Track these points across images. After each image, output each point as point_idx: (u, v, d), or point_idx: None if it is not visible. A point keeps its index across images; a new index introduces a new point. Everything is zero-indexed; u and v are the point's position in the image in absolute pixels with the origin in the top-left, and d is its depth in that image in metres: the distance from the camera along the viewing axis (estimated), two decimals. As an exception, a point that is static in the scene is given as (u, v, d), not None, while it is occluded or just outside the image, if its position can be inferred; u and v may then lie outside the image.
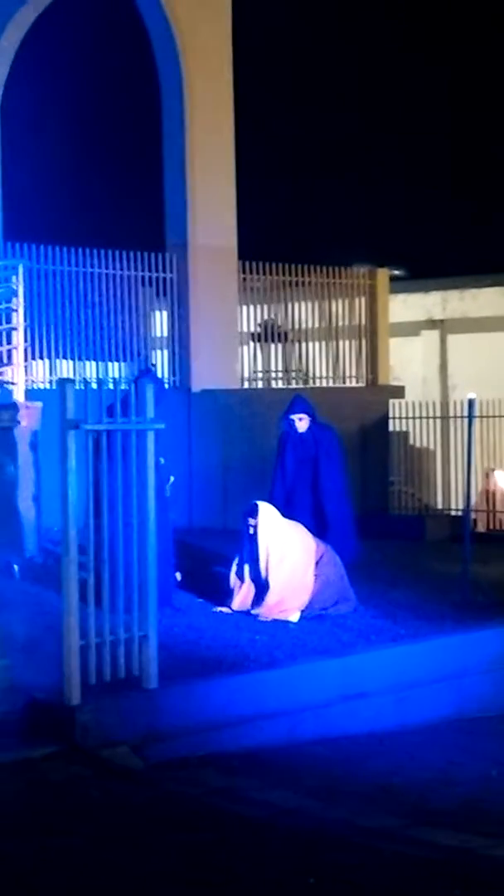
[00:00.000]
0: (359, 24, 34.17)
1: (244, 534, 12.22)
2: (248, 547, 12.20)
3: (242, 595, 12.21)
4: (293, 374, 19.66)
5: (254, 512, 12.21)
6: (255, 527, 12.12)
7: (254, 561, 12.14)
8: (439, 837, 7.69)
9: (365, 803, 8.52)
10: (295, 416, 14.64)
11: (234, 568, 12.33)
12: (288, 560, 12.10)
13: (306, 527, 13.37)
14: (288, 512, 13.81)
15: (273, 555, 12.07)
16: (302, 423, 14.64)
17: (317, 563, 12.25)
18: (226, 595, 12.34)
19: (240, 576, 12.24)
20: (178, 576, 13.06)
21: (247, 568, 12.20)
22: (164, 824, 7.80)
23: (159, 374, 17.55)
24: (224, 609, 12.21)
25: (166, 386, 17.44)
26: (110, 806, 8.18)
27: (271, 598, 12.02)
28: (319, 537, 13.19)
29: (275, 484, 14.63)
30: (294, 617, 12.01)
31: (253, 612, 12.07)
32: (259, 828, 7.83)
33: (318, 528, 14.13)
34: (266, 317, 19.33)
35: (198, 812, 8.13)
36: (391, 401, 20.33)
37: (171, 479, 12.79)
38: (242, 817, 8.01)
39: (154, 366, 17.69)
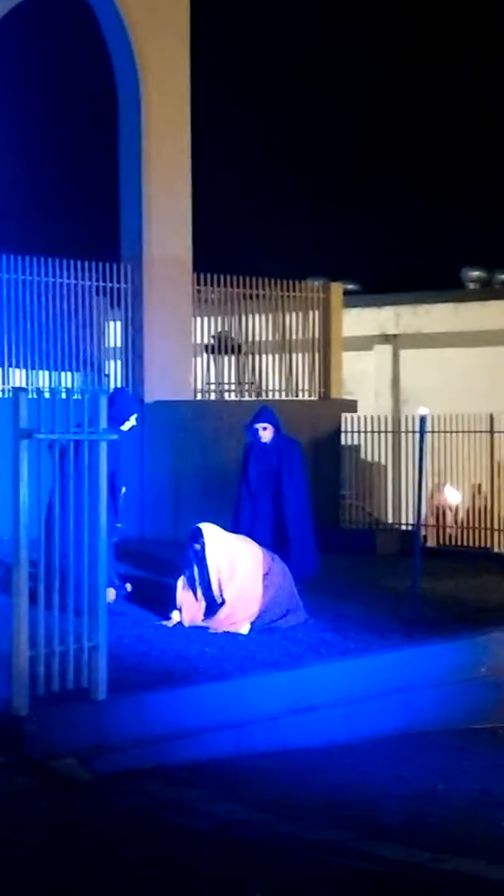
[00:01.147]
0: (319, 35, 34.29)
1: (191, 557, 12.16)
2: (197, 569, 12.14)
3: (192, 611, 12.16)
4: (246, 387, 19.68)
5: (197, 536, 12.14)
6: (202, 550, 12.06)
7: (204, 581, 12.09)
8: (386, 851, 7.70)
9: (313, 817, 8.52)
10: (259, 426, 14.70)
11: (179, 585, 12.25)
12: (238, 573, 12.08)
13: (267, 539, 13.41)
14: (252, 524, 13.82)
15: (224, 571, 12.04)
16: (266, 432, 14.68)
17: (265, 574, 12.24)
18: (173, 608, 12.28)
19: (188, 591, 12.17)
20: (129, 587, 13.04)
21: (198, 588, 12.15)
22: (110, 836, 7.78)
23: (113, 384, 17.56)
24: (167, 623, 12.14)
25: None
26: (57, 818, 8.15)
27: (223, 611, 12.00)
28: (279, 550, 13.23)
29: (241, 495, 14.65)
30: (244, 629, 12.01)
31: (203, 623, 12.04)
32: (206, 841, 7.82)
33: (279, 541, 14.18)
34: (220, 329, 19.34)
35: (145, 824, 8.11)
36: (343, 414, 20.39)
37: (123, 489, 12.79)
38: (189, 830, 8.00)
39: (107, 376, 17.68)
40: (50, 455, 9.63)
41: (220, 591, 12.02)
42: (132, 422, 13.09)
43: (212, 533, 12.15)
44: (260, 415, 14.89)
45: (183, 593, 12.18)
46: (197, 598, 12.15)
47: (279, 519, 14.63)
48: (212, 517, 12.77)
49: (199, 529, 12.14)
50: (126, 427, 12.97)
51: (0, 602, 11.72)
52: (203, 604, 12.14)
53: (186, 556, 12.22)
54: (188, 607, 12.15)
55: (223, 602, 12.02)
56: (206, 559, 12.01)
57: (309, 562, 14.53)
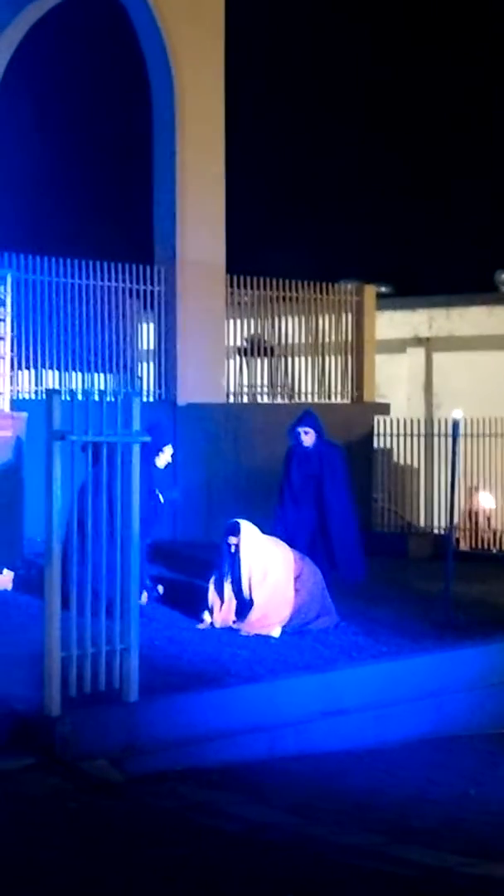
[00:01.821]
0: (354, 39, 34.27)
1: (224, 551, 12.16)
2: (229, 564, 12.14)
3: (224, 612, 12.16)
4: (279, 390, 19.68)
5: (235, 530, 12.12)
6: (237, 545, 12.05)
7: (236, 579, 12.10)
8: (417, 855, 7.68)
9: (343, 820, 8.51)
10: (301, 429, 14.71)
11: (211, 585, 12.25)
12: (270, 576, 12.07)
13: (306, 544, 13.38)
14: (294, 528, 13.81)
15: (255, 573, 12.03)
16: (308, 436, 14.69)
17: (296, 577, 12.23)
18: (205, 610, 12.29)
19: (219, 592, 12.18)
20: (161, 589, 13.06)
21: (228, 586, 12.15)
22: (142, 838, 7.79)
23: (145, 387, 17.61)
24: (201, 625, 12.14)
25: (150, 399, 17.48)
26: (89, 819, 8.16)
27: (254, 614, 12.00)
28: (321, 555, 13.21)
29: (283, 499, 14.64)
30: (275, 632, 12.00)
31: (235, 626, 12.04)
32: (237, 843, 7.82)
33: (322, 547, 14.18)
34: (253, 331, 19.35)
35: (176, 826, 8.12)
36: (376, 417, 20.36)
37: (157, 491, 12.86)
38: (221, 832, 8.00)
39: (140, 378, 17.72)
40: (83, 456, 9.65)
41: (250, 591, 12.01)
42: (167, 456, 12.92)
43: (249, 530, 12.14)
44: (303, 419, 14.92)
45: (214, 591, 12.18)
46: (223, 598, 12.11)
47: (321, 525, 14.62)
48: (244, 519, 12.76)
49: (238, 524, 12.13)
50: (161, 463, 12.83)
51: (32, 603, 11.78)
52: (234, 602, 12.13)
53: (220, 551, 12.21)
54: (219, 606, 12.14)
55: (252, 603, 12.01)
56: (240, 556, 12.00)
57: (356, 567, 14.56)
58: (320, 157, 34.48)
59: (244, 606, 12.07)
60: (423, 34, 34.81)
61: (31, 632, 10.50)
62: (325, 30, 33.73)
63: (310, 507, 14.65)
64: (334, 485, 14.70)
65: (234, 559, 12.06)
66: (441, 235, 33.45)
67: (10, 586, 12.82)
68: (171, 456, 13.06)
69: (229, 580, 12.11)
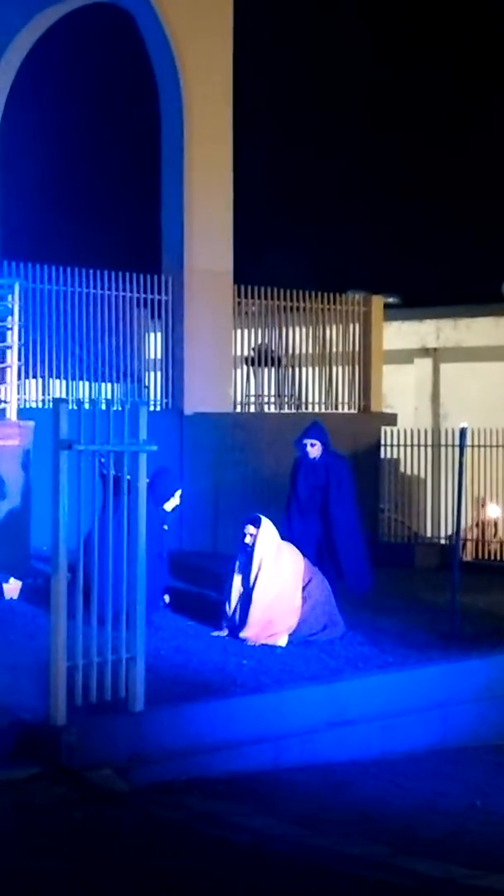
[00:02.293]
0: (362, 50, 34.31)
1: (240, 544, 12.17)
2: (242, 558, 12.15)
3: (232, 605, 12.16)
4: (286, 399, 19.68)
5: (256, 522, 12.15)
6: (255, 537, 12.07)
7: (246, 573, 12.10)
8: (422, 867, 7.68)
9: (349, 831, 8.50)
10: (308, 441, 14.75)
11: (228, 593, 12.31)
12: (277, 580, 12.07)
13: (313, 555, 13.37)
14: (300, 539, 13.83)
15: (264, 571, 12.03)
16: (314, 449, 14.74)
17: (304, 586, 12.23)
18: (216, 619, 12.28)
19: (230, 586, 12.17)
20: (167, 598, 13.05)
21: (238, 578, 12.15)
22: (147, 848, 7.78)
23: (152, 396, 17.62)
24: (217, 633, 12.14)
25: (157, 408, 17.48)
26: (94, 829, 8.16)
27: (254, 614, 11.97)
28: (327, 566, 13.19)
29: (290, 511, 14.67)
30: (282, 641, 12.00)
31: (241, 635, 12.03)
32: (242, 854, 7.81)
33: (329, 557, 14.19)
34: (260, 341, 19.35)
35: (181, 837, 8.11)
36: (383, 428, 20.36)
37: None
38: (226, 843, 7.99)
39: (147, 387, 17.73)
40: (91, 466, 9.65)
41: (254, 585, 11.99)
42: (176, 500, 12.96)
43: (268, 527, 12.19)
44: (309, 431, 14.96)
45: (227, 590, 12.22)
46: (233, 590, 12.11)
47: (328, 535, 14.64)
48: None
49: (259, 518, 12.16)
50: (169, 507, 12.86)
51: (39, 613, 11.78)
52: (241, 593, 12.12)
53: (237, 543, 12.24)
54: (230, 606, 12.16)
55: (251, 599, 11.99)
56: (255, 549, 12.01)
57: (363, 577, 14.57)
58: (327, 168, 34.50)
59: (249, 604, 12.05)
60: (423, 34, 34.81)
61: (38, 641, 10.52)
62: (325, 30, 33.77)
63: (316, 519, 14.69)
64: (340, 496, 14.73)
65: (248, 553, 12.07)
66: (448, 246, 33.45)
67: (17, 595, 12.82)
68: (180, 498, 13.09)
69: (239, 573, 12.11)
